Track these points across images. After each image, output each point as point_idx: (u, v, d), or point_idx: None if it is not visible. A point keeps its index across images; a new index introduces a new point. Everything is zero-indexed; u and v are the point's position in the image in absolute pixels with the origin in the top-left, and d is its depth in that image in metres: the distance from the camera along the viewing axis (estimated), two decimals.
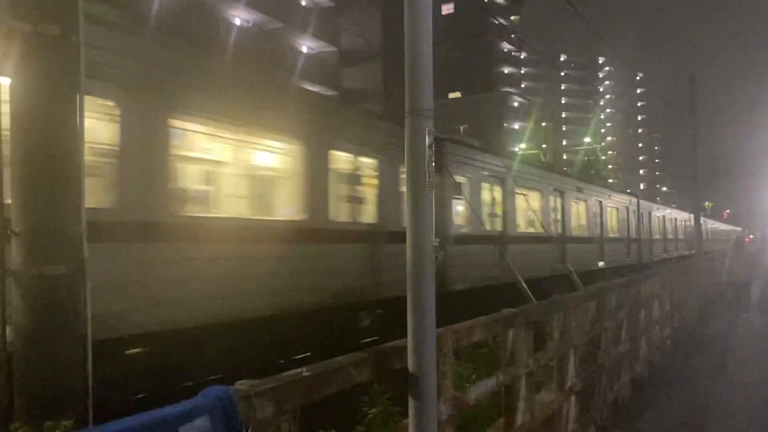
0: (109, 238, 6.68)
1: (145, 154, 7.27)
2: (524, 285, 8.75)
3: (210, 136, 8.35)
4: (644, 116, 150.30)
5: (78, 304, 4.70)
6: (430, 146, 3.21)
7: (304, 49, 44.43)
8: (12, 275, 4.43)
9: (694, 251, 34.49)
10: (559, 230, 19.35)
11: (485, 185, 14.90)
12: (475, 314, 4.61)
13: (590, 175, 44.35)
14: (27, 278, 4.48)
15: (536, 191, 17.86)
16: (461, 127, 59.52)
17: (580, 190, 22.04)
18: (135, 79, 7.16)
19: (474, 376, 5.19)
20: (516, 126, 77.04)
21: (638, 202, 30.79)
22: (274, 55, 38.35)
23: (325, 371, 2.89)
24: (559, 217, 19.42)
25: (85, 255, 4.68)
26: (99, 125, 6.83)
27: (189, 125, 7.90)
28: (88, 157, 5.10)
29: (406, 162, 3.27)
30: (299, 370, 2.74)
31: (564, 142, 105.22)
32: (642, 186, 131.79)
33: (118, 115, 6.99)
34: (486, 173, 14.92)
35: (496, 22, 78.60)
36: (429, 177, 3.21)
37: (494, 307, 5.09)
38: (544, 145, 65.65)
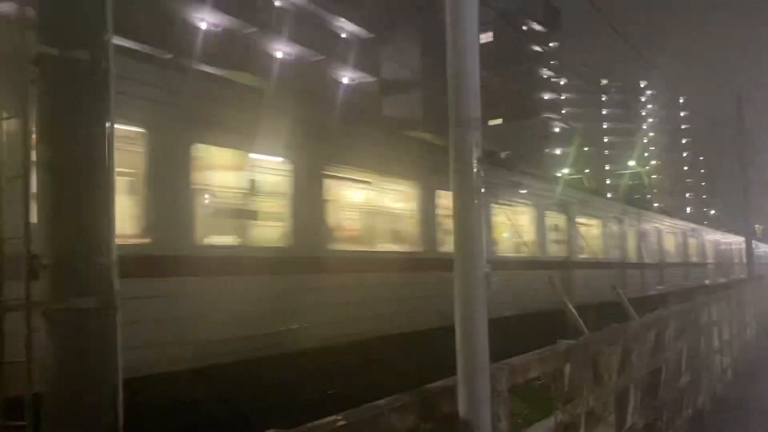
0: (286, 270, 8.45)
1: (311, 200, 9.15)
2: (575, 313, 8.32)
3: (353, 181, 10.20)
4: (689, 139, 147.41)
5: (109, 338, 4.48)
6: (478, 160, 2.93)
7: (345, 80, 44.69)
8: (39, 309, 4.24)
9: (745, 276, 33.62)
10: (616, 255, 19.45)
11: (533, 210, 14.72)
12: (514, 343, 4.41)
13: (636, 199, 43.54)
14: (55, 312, 4.28)
15: (589, 217, 17.90)
16: (502, 154, 58.93)
17: (633, 215, 22.20)
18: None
19: (527, 412, 4.83)
20: (558, 151, 76.25)
21: (692, 228, 30.73)
22: (315, 86, 38.60)
23: (361, 420, 2.56)
24: (615, 242, 19.43)
25: (115, 287, 4.47)
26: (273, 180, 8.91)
27: (338, 174, 9.77)
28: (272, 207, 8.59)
29: (451, 179, 2.99)
30: (333, 418, 2.43)
31: (607, 167, 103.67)
32: (689, 210, 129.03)
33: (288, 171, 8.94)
34: (536, 198, 14.77)
35: (535, 49, 78.40)
36: (478, 196, 2.92)
37: (540, 336, 4.85)
38: (587, 170, 64.76)
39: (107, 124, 4.48)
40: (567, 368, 4.44)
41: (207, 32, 34.83)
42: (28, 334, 4.29)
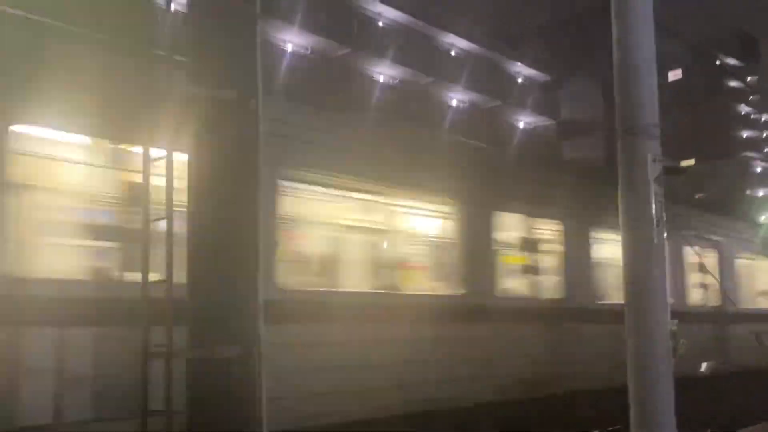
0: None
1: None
2: None
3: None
4: None
5: (253, 389, 4.24)
6: (657, 179, 2.28)
7: (521, 125, 44.02)
8: (179, 358, 4.08)
9: None
10: None
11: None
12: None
13: None
14: (196, 361, 4.11)
15: None
16: (698, 196, 55.02)
17: None
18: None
19: None
20: (761, 193, 69.91)
21: None
22: (491, 132, 38.27)
23: None
24: None
25: (260, 335, 4.24)
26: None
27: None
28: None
29: (620, 201, 2.37)
30: None
31: None
32: None
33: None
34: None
35: (731, 85, 73.02)
36: (657, 224, 2.26)
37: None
38: None
39: (256, 164, 4.33)
40: None
41: (386, 86, 35.78)
42: (169, 383, 4.15)
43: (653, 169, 2.32)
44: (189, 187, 4.27)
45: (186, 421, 4.02)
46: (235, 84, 4.43)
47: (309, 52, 32.57)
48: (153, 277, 4.41)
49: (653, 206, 2.34)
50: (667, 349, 2.31)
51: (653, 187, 2.32)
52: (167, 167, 4.22)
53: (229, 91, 4.44)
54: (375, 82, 35.78)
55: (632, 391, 2.40)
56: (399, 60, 35.78)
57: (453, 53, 39.93)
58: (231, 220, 4.41)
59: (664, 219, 2.36)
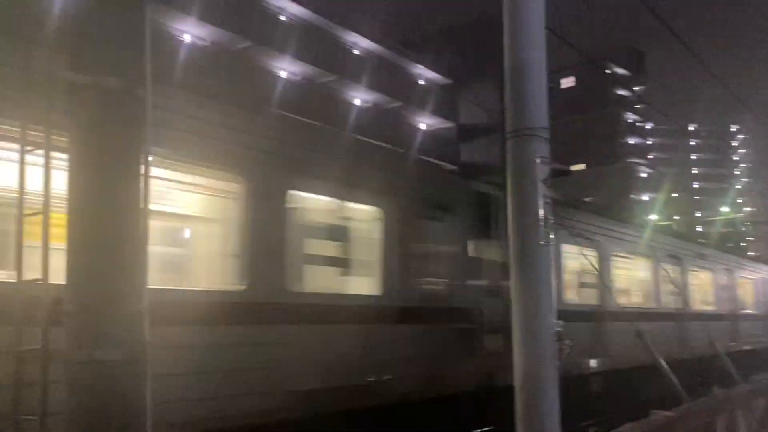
0: None
1: None
2: (670, 372, 7.37)
3: None
4: None
5: (137, 394, 4.04)
6: (545, 180, 2.29)
7: (422, 126, 44.60)
8: (57, 361, 3.84)
9: None
10: (730, 307, 19.51)
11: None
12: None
13: (729, 248, 41.79)
14: (75, 364, 3.87)
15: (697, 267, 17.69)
16: (586, 200, 57.37)
17: (749, 268, 22.57)
18: None
19: None
20: (645, 197, 73.85)
21: None
22: (392, 132, 38.54)
23: None
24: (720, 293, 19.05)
25: (145, 338, 4.05)
26: None
27: None
28: None
29: (509, 202, 2.37)
30: None
31: (697, 213, 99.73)
32: None
33: None
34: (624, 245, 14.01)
35: (620, 93, 76.70)
36: (544, 225, 2.28)
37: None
38: (675, 217, 62.26)
39: (141, 156, 4.13)
40: None
41: (286, 81, 35.41)
42: (44, 387, 3.91)
43: (541, 171, 2.34)
44: (69, 179, 4.03)
45: (66, 427, 3.79)
46: (121, 72, 4.21)
47: (208, 43, 31.79)
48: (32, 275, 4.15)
49: (541, 207, 2.35)
50: (553, 350, 2.34)
51: (541, 188, 2.34)
52: (45, 159, 3.97)
53: (114, 79, 4.22)
54: (276, 77, 35.34)
55: (519, 389, 2.41)
56: (301, 57, 35.49)
57: (355, 52, 39.99)
58: (115, 216, 4.20)
59: (551, 220, 2.38)
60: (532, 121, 2.37)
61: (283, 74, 35.79)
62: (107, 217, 4.18)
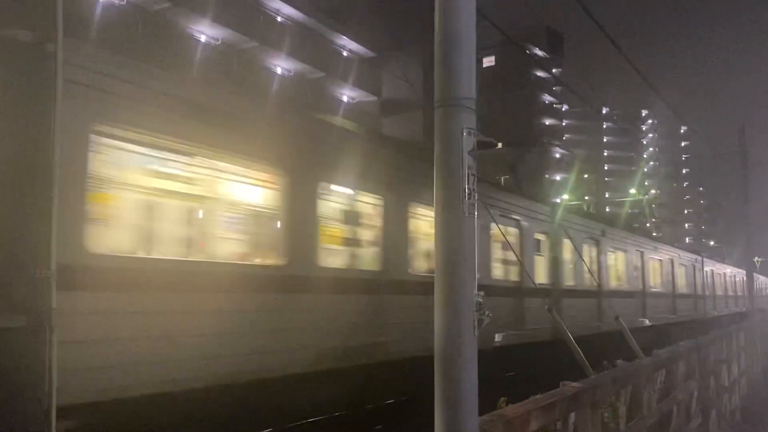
0: None
1: None
2: (577, 347, 7.68)
3: None
4: (689, 169, 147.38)
5: (42, 360, 3.88)
6: (471, 152, 2.31)
7: (345, 98, 44.34)
8: None
9: (745, 309, 34.59)
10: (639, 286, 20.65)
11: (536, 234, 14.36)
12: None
13: (635, 228, 43.56)
14: None
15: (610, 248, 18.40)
16: (502, 178, 58.51)
17: (655, 249, 23.65)
18: None
19: None
20: (558, 177, 75.99)
21: (702, 260, 31.67)
22: (315, 104, 38.14)
23: None
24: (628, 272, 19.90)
25: (52, 305, 3.88)
26: None
27: None
28: None
29: (435, 173, 2.38)
30: None
31: (607, 195, 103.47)
32: (687, 240, 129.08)
33: None
34: (536, 222, 14.36)
35: (538, 75, 78.28)
36: (469, 197, 2.29)
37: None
38: (587, 197, 64.39)
39: (52, 112, 3.93)
40: (573, 417, 3.80)
41: (205, 45, 34.45)
42: None
43: (468, 142, 2.35)
44: None
45: None
46: (31, 25, 3.99)
47: (124, 2, 30.52)
48: None
49: (466, 179, 2.37)
50: (472, 321, 2.36)
51: (467, 160, 2.35)
52: None
53: (23, 32, 3.99)
54: (196, 41, 34.30)
55: (438, 361, 2.43)
56: (221, 21, 34.51)
57: (279, 19, 39.23)
58: (19, 175, 3.99)
59: (476, 193, 2.40)
60: (461, 92, 2.36)
61: (203, 39, 34.78)
62: (12, 177, 3.98)
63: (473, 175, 2.37)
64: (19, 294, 3.79)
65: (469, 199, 2.35)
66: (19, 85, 3.92)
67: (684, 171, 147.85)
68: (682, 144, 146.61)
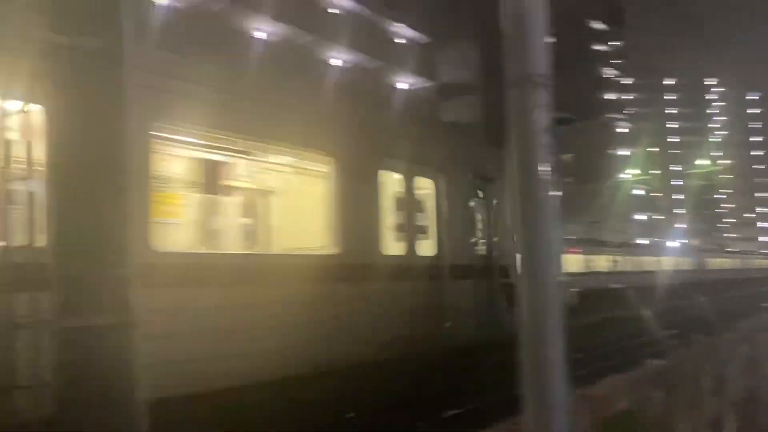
0: None
1: None
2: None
3: None
4: (758, 138, 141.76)
5: (126, 358, 3.99)
6: (548, 130, 2.26)
7: (403, 86, 44.37)
8: (46, 328, 3.78)
9: None
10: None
11: None
12: None
13: (703, 201, 42.21)
14: (64, 330, 3.82)
15: None
16: (565, 156, 57.63)
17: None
18: None
19: None
20: (621, 152, 74.35)
21: None
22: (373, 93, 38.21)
23: None
24: None
25: (131, 302, 3.99)
26: None
27: None
28: None
29: (513, 155, 2.33)
30: None
31: (672, 168, 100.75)
32: (758, 210, 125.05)
33: None
34: None
35: (598, 49, 76.60)
36: (547, 176, 2.25)
37: None
38: (653, 171, 62.76)
39: (122, 118, 4.03)
40: (657, 395, 3.71)
41: (258, 39, 34.81)
42: (36, 355, 3.85)
43: (544, 120, 2.31)
44: (48, 144, 3.94)
45: (54, 395, 3.76)
46: (99, 32, 4.08)
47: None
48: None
49: (539, 154, 2.33)
50: (559, 301, 2.34)
51: (542, 138, 2.31)
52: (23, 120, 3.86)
53: (93, 39, 4.09)
54: (257, 39, 34.77)
55: (525, 343, 2.41)
56: (278, 17, 34.84)
57: (335, 11, 39.40)
58: (98, 179, 4.10)
59: (550, 166, 2.36)
60: (532, 69, 2.32)
61: (263, 36, 35.20)
62: (88, 180, 4.09)
63: (550, 152, 2.33)
64: (104, 293, 3.91)
65: (546, 177, 2.32)
66: (89, 92, 4.03)
67: (751, 139, 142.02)
68: (748, 111, 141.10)
